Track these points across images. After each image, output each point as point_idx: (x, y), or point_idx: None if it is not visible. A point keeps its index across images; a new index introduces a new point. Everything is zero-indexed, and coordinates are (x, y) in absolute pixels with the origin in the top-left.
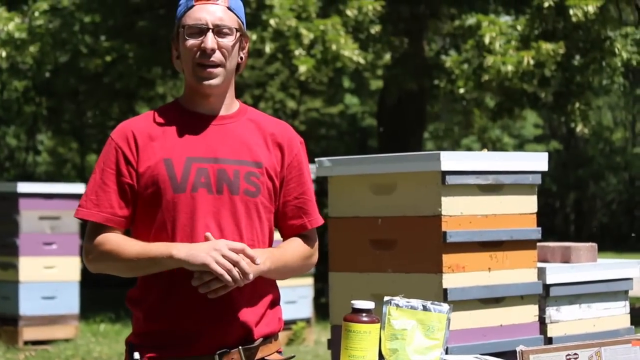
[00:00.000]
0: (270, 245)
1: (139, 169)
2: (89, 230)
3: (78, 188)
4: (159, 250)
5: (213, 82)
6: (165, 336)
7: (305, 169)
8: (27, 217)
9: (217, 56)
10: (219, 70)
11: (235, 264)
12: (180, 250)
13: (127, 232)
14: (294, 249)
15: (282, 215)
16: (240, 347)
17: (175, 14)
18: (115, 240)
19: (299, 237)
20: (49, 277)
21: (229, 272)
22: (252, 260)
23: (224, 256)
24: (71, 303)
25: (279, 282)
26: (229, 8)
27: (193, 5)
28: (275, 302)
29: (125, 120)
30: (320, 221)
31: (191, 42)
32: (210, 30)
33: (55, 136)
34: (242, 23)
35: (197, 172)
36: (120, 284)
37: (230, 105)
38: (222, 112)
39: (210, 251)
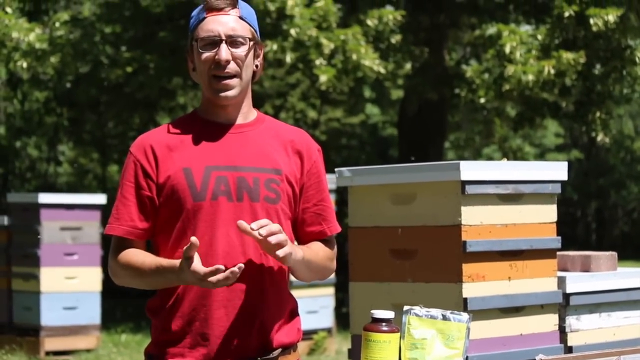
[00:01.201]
0: None
1: (158, 180)
2: (112, 245)
3: (99, 199)
4: (165, 267)
5: (229, 93)
6: (184, 345)
7: (323, 176)
8: (49, 227)
9: (231, 67)
10: (234, 81)
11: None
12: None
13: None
14: (319, 248)
15: (301, 222)
16: (259, 358)
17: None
18: (134, 255)
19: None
20: (71, 288)
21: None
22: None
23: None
24: (92, 313)
25: (300, 292)
26: (241, 17)
27: (205, 17)
28: (294, 313)
29: (144, 133)
30: (338, 228)
31: (205, 54)
32: (224, 42)
33: (77, 147)
34: (256, 31)
35: (217, 180)
36: (142, 294)
37: (248, 114)
38: (240, 121)
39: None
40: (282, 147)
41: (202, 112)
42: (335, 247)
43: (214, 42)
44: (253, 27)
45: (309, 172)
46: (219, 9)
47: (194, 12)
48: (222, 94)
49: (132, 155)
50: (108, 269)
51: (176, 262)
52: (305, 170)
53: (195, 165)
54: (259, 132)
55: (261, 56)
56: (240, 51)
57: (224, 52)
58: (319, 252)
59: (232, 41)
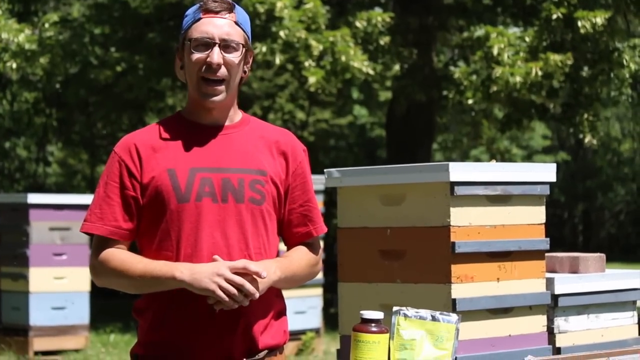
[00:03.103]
0: (275, 251)
1: (142, 181)
2: (95, 244)
3: (88, 199)
4: (162, 270)
5: (217, 98)
6: (170, 346)
7: (308, 176)
8: (38, 227)
9: (222, 72)
10: (223, 87)
11: (240, 286)
12: (183, 272)
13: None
14: (301, 257)
15: (287, 223)
16: (244, 359)
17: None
18: (121, 258)
19: (303, 245)
20: (59, 288)
21: (233, 296)
22: (258, 275)
23: (227, 280)
24: (81, 313)
25: (288, 292)
26: (236, 22)
27: (200, 18)
28: (280, 314)
29: (128, 134)
30: (324, 229)
31: (197, 55)
32: (217, 45)
33: (66, 147)
34: (248, 37)
35: (201, 181)
36: (130, 295)
37: (234, 116)
38: (225, 123)
39: (213, 277)
40: (267, 149)
41: (187, 113)
42: (320, 249)
43: (207, 44)
44: (246, 34)
45: (294, 173)
46: (216, 12)
47: (189, 11)
48: (210, 99)
49: (117, 155)
50: (90, 268)
51: (175, 263)
52: (291, 171)
53: (180, 166)
54: (244, 133)
55: (250, 62)
56: (233, 57)
57: (216, 55)
58: (301, 261)
59: (226, 45)
